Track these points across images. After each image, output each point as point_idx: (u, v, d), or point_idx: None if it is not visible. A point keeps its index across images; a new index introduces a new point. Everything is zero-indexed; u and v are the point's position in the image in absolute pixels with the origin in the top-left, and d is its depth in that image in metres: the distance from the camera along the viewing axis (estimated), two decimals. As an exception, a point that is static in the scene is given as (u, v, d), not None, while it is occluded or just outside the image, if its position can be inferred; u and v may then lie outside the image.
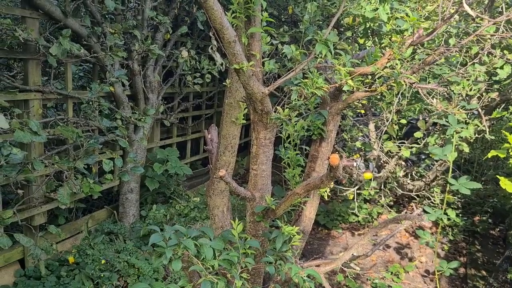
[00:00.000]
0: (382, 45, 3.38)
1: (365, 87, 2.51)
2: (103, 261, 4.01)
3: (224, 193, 2.87)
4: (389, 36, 3.51)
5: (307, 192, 2.04)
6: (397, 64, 1.82)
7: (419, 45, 3.68)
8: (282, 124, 2.36)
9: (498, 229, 6.16)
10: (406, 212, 6.32)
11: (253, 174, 2.31)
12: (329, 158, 1.63)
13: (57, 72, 4.57)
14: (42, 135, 3.26)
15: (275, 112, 2.14)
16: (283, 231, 2.22)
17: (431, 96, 4.93)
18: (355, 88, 2.46)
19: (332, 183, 3.02)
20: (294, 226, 2.36)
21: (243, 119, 2.60)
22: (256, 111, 2.12)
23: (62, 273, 4.06)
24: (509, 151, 3.92)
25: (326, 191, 2.94)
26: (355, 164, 1.80)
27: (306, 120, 2.75)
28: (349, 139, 5.46)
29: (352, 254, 2.96)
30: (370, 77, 2.48)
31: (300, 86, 1.87)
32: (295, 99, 1.94)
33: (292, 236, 2.29)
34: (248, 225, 2.41)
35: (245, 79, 1.93)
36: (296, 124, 2.61)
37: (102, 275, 3.96)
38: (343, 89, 2.43)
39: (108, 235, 4.74)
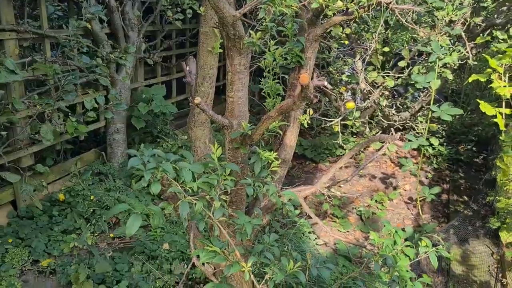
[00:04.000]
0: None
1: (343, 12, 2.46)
2: (92, 197, 4.09)
3: (205, 125, 2.89)
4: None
5: (281, 114, 2.06)
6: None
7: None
8: (258, 52, 2.33)
9: (481, 156, 6.30)
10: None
11: (229, 101, 2.31)
12: (299, 77, 1.64)
13: (31, 10, 4.42)
14: (19, 73, 3.21)
15: (248, 37, 2.11)
16: (261, 156, 2.26)
17: (417, 25, 4.85)
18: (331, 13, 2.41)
19: (312, 111, 3.05)
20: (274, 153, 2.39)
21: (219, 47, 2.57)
22: (229, 37, 2.09)
23: (54, 212, 4.15)
24: (491, 75, 3.94)
25: (306, 118, 2.96)
26: (325, 83, 1.80)
27: (285, 48, 2.72)
28: (335, 72, 5.42)
29: (335, 180, 3.04)
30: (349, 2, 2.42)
31: (268, 4, 1.83)
32: (263, 17, 1.91)
33: (271, 162, 2.33)
34: (228, 152, 2.44)
35: (215, 2, 1.88)
36: (274, 52, 2.58)
37: (92, 210, 4.06)
38: (318, 11, 2.38)
39: (98, 176, 4.81)
